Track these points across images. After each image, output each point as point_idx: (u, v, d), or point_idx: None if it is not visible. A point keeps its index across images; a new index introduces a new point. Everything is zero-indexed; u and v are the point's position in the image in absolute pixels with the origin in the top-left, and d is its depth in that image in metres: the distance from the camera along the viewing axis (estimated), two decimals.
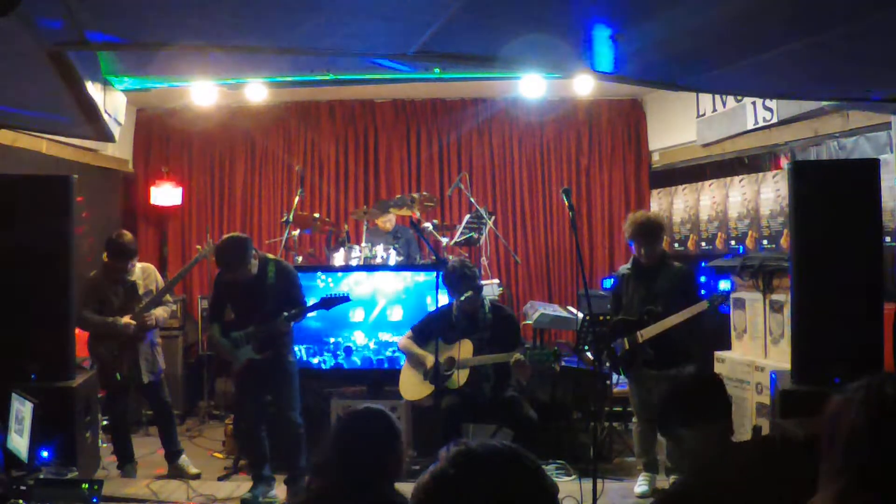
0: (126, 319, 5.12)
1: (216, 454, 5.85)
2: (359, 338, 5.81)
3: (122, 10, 2.97)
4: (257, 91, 5.70)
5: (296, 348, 5.26)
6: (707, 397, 2.40)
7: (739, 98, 6.12)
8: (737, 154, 6.59)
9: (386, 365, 5.74)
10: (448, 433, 4.54)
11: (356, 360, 5.81)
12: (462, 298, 4.77)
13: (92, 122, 4.46)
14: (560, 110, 7.97)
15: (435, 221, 6.74)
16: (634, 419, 5.13)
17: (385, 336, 5.78)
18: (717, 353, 5.83)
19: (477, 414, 4.88)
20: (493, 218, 7.07)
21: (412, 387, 4.98)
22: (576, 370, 5.63)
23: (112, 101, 4.42)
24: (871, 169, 4.25)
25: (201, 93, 5.67)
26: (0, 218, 4.58)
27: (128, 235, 5.27)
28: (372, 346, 5.80)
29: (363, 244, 6.37)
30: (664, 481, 4.78)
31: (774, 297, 5.34)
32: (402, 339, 5.12)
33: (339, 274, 5.95)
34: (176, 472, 5.23)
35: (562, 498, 4.06)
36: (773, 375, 4.56)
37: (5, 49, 3.06)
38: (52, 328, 4.61)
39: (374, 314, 5.82)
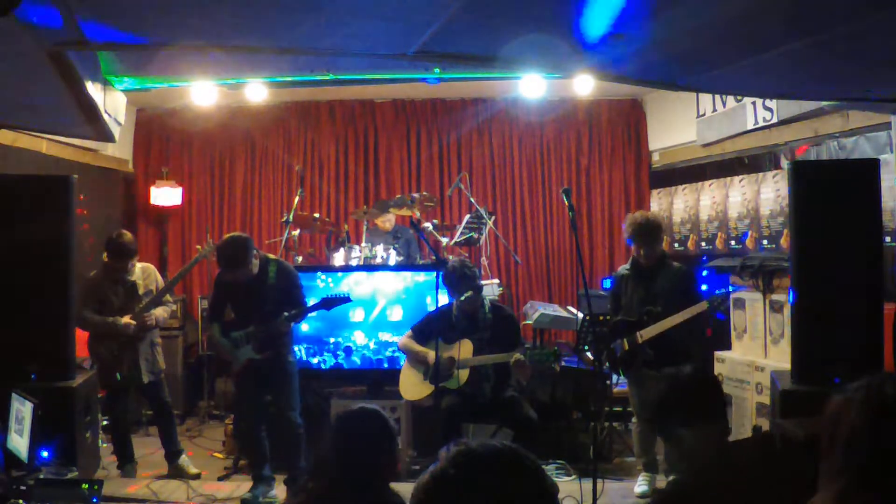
0: (126, 319, 5.12)
1: (216, 454, 5.85)
2: (359, 338, 5.81)
3: (122, 10, 2.97)
4: (257, 91, 5.70)
5: (296, 348, 5.27)
6: (706, 397, 2.40)
7: (739, 98, 6.12)
8: (737, 154, 6.59)
9: (386, 365, 5.74)
10: (448, 433, 4.54)
11: (356, 360, 5.81)
12: (462, 298, 4.77)
13: (92, 122, 4.46)
14: (560, 110, 7.97)
15: (435, 221, 6.74)
16: (634, 419, 5.13)
17: (385, 336, 5.78)
18: (717, 353, 5.83)
19: (477, 414, 4.88)
20: (493, 218, 7.07)
21: (412, 387, 4.98)
22: (576, 370, 5.63)
23: (112, 101, 4.42)
24: (871, 169, 4.25)
25: (201, 93, 5.66)
26: (0, 218, 4.58)
27: (128, 235, 5.27)
28: (372, 346, 5.80)
29: (363, 244, 6.37)
30: (664, 481, 4.78)
31: (774, 297, 5.34)
32: (402, 339, 5.12)
33: (339, 274, 5.95)
34: (176, 472, 5.23)
35: (562, 498, 4.06)
36: (774, 375, 4.56)
37: (5, 49, 3.06)
38: (52, 328, 4.61)
39: (374, 314, 5.82)
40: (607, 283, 6.88)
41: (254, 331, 4.71)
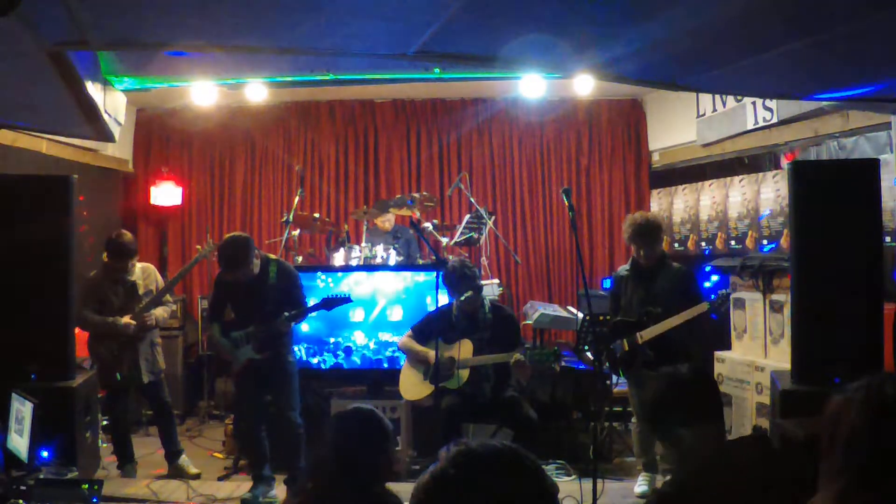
0: (126, 319, 5.12)
1: (216, 454, 5.85)
2: (359, 338, 5.81)
3: (122, 10, 2.97)
4: (257, 91, 5.71)
5: (296, 348, 5.27)
6: (705, 396, 2.40)
7: (739, 98, 6.12)
8: (737, 154, 6.59)
9: (386, 365, 5.74)
10: (448, 433, 4.54)
11: (356, 359, 5.81)
12: (462, 298, 4.77)
13: (92, 122, 4.46)
14: (560, 110, 7.97)
15: (435, 221, 6.74)
16: (634, 419, 5.13)
17: (385, 336, 5.78)
18: (717, 353, 5.83)
19: (477, 414, 4.89)
20: (493, 218, 7.07)
21: (412, 387, 4.98)
22: (576, 370, 5.63)
23: (112, 101, 4.42)
24: (871, 169, 4.25)
25: (201, 93, 5.67)
26: (0, 218, 4.58)
27: (128, 235, 5.28)
28: (372, 346, 5.80)
29: (363, 244, 6.37)
30: (664, 481, 4.78)
31: (774, 297, 5.34)
32: (402, 339, 5.12)
33: (339, 274, 5.95)
34: (176, 472, 5.23)
35: (562, 498, 4.06)
36: (773, 375, 4.56)
37: (5, 49, 3.06)
38: (52, 328, 4.61)
39: (374, 314, 5.82)
40: (607, 283, 6.88)
41: (254, 331, 4.71)
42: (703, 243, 7.05)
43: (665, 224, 5.69)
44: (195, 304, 7.33)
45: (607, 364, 4.84)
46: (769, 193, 6.16)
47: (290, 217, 6.37)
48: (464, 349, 4.78)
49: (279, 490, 4.77)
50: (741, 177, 6.53)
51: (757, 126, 6.00)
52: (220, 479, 5.24)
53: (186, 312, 7.21)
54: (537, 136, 8.12)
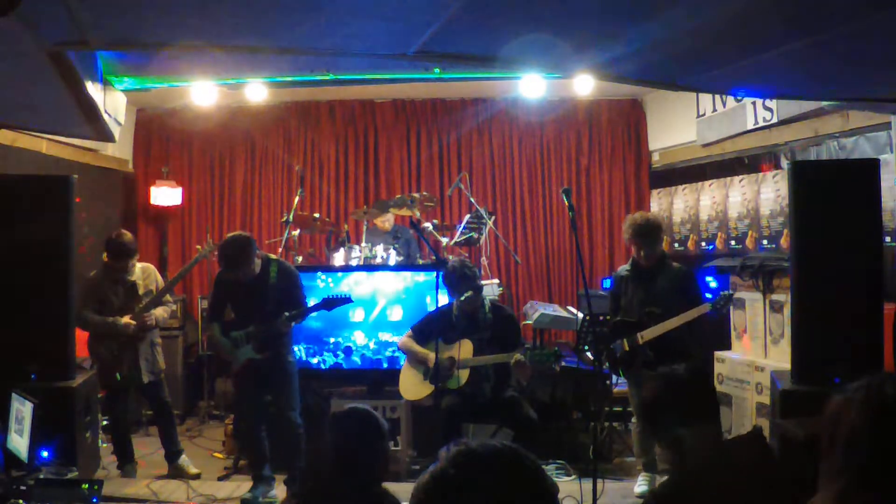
0: (126, 319, 5.12)
1: (216, 454, 5.85)
2: (359, 338, 5.81)
3: (123, 10, 2.97)
4: (257, 91, 5.70)
5: (296, 348, 5.27)
6: (704, 395, 2.40)
7: (739, 98, 6.12)
8: (737, 154, 6.59)
9: (386, 365, 5.74)
10: (448, 433, 4.54)
11: (356, 359, 5.81)
12: (462, 298, 4.77)
13: (92, 122, 4.46)
14: (560, 110, 7.97)
15: (435, 221, 6.74)
16: (634, 419, 5.13)
17: (385, 336, 5.78)
18: (717, 353, 5.83)
19: (477, 414, 4.89)
20: (493, 218, 7.07)
21: (412, 387, 4.98)
22: (576, 370, 5.63)
23: (112, 101, 4.42)
24: (871, 169, 4.25)
25: (201, 93, 5.66)
26: (0, 218, 4.58)
27: (128, 235, 5.28)
28: (372, 346, 5.80)
29: (363, 244, 6.37)
30: (661, 482, 4.78)
31: (774, 297, 5.35)
32: (402, 339, 5.12)
33: (339, 274, 5.95)
34: (176, 472, 5.24)
35: (562, 498, 4.06)
36: (773, 375, 4.56)
37: (5, 49, 3.06)
38: (52, 328, 4.61)
39: (374, 314, 5.82)
40: (607, 283, 6.88)
41: (254, 331, 4.71)
42: (703, 243, 7.05)
43: (665, 224, 5.69)
44: (195, 304, 7.33)
45: (607, 364, 4.84)
46: (769, 193, 6.16)
47: (290, 217, 6.37)
48: (464, 349, 4.78)
49: (279, 490, 4.77)
50: (741, 177, 6.53)
51: (757, 126, 6.00)
52: (220, 479, 5.25)
53: (186, 312, 7.21)
54: (537, 136, 8.12)
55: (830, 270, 4.14)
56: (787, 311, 4.98)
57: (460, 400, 4.78)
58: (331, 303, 4.76)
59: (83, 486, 3.62)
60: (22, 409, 3.89)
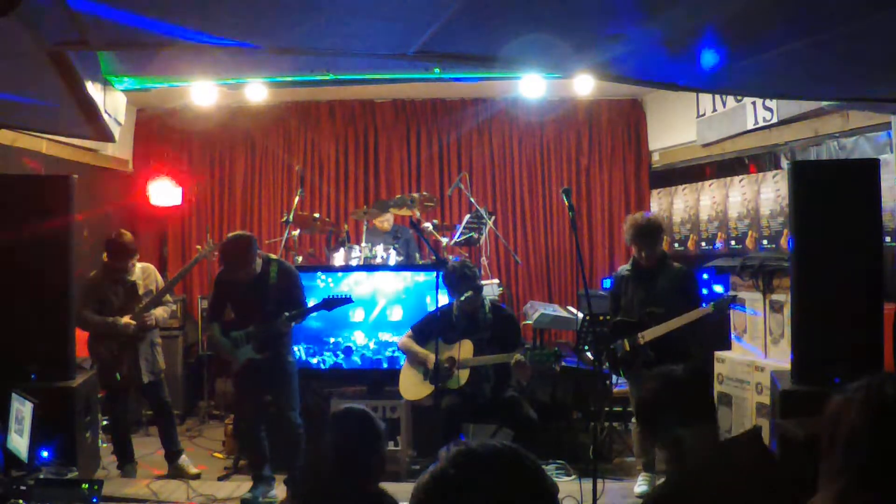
0: (126, 319, 5.12)
1: (216, 454, 5.85)
2: (359, 338, 5.81)
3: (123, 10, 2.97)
4: (257, 91, 5.70)
5: (296, 348, 5.27)
6: (700, 395, 2.40)
7: (739, 98, 6.12)
8: (737, 154, 6.59)
9: (386, 365, 5.74)
10: (448, 433, 4.54)
11: (356, 359, 5.81)
12: (462, 298, 4.77)
13: (92, 122, 4.46)
14: (560, 110, 7.97)
15: (435, 221, 6.74)
16: (634, 419, 5.13)
17: (385, 336, 5.78)
18: (717, 353, 5.83)
19: (477, 414, 4.88)
20: (493, 218, 7.07)
21: (412, 387, 4.98)
22: (576, 370, 5.63)
23: (112, 101, 4.42)
24: (871, 169, 4.25)
25: (201, 93, 5.67)
26: (0, 218, 4.58)
27: (128, 235, 5.28)
28: (372, 346, 5.80)
29: (363, 244, 6.37)
30: (659, 483, 4.78)
31: (774, 297, 5.35)
32: (402, 339, 5.12)
33: (339, 274, 5.95)
34: (176, 472, 5.24)
35: (562, 498, 4.06)
36: (773, 375, 4.56)
37: (5, 49, 3.06)
38: (52, 328, 4.62)
39: (374, 314, 5.82)
40: (607, 283, 6.88)
41: (254, 331, 4.71)
42: (703, 243, 7.05)
43: (665, 224, 5.69)
44: (195, 304, 7.33)
45: (607, 364, 4.84)
46: (769, 193, 6.16)
47: (290, 217, 6.36)
48: (464, 349, 4.78)
49: (279, 490, 4.77)
50: (741, 177, 6.53)
51: (757, 126, 6.00)
52: (220, 479, 5.25)
53: (186, 312, 7.22)
54: (537, 136, 8.12)
55: (830, 270, 4.14)
56: (787, 311, 4.98)
57: (460, 400, 4.78)
58: (331, 303, 4.76)
59: (83, 486, 3.62)
60: (22, 409, 3.89)
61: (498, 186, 8.15)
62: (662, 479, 4.80)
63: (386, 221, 6.73)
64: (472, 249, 7.20)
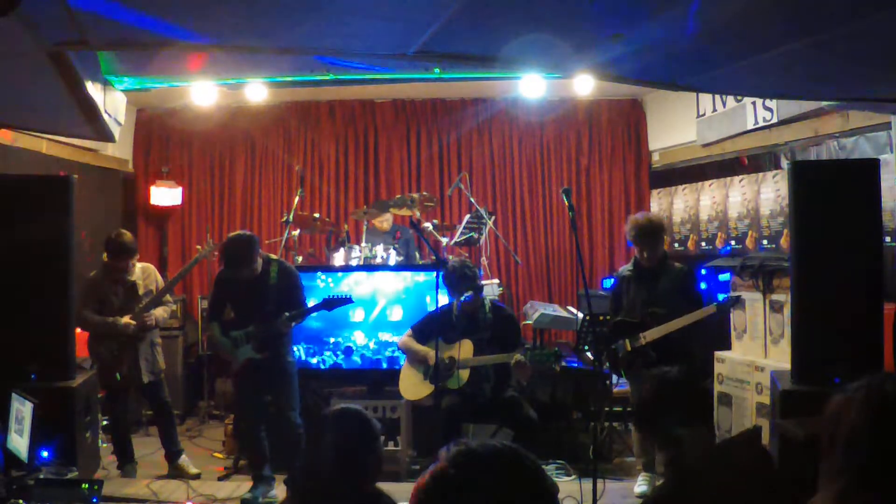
0: (126, 319, 5.12)
1: (216, 454, 5.85)
2: (359, 338, 5.81)
3: (122, 9, 2.97)
4: (257, 91, 5.70)
5: (295, 348, 5.26)
6: (695, 397, 2.40)
7: (739, 98, 6.12)
8: (737, 154, 6.59)
9: (386, 365, 5.74)
10: (448, 433, 4.54)
11: (356, 360, 5.81)
12: (462, 298, 4.77)
13: (92, 122, 4.46)
14: (560, 110, 7.97)
15: (435, 221, 6.74)
16: (634, 420, 5.12)
17: (385, 336, 5.78)
18: (717, 353, 5.83)
19: (477, 414, 4.89)
20: (493, 218, 7.07)
21: (412, 387, 4.98)
22: (576, 370, 5.63)
23: (112, 101, 4.42)
24: (871, 169, 4.25)
25: (201, 93, 5.66)
26: (0, 218, 4.58)
27: (127, 235, 5.28)
28: (372, 346, 5.80)
29: (363, 244, 6.37)
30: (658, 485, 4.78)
31: (774, 297, 5.34)
32: (402, 338, 5.12)
33: (339, 274, 5.95)
34: (176, 472, 5.23)
35: (562, 498, 4.06)
36: (773, 375, 4.56)
37: (5, 49, 3.06)
38: (52, 328, 4.61)
39: (374, 314, 5.82)
40: (607, 283, 6.89)
41: (253, 330, 4.71)
42: (703, 243, 7.05)
43: (666, 225, 5.69)
44: (195, 304, 7.33)
45: (608, 364, 4.84)
46: (769, 193, 6.16)
47: (290, 217, 6.37)
48: (464, 349, 4.78)
49: (279, 490, 4.77)
50: (741, 177, 6.53)
51: (757, 126, 6.00)
52: (220, 479, 5.24)
53: (186, 312, 7.22)
54: (537, 136, 8.12)
55: (830, 270, 4.14)
56: (787, 311, 4.97)
57: (460, 400, 4.78)
58: (331, 303, 4.76)
59: (83, 486, 3.62)
60: (22, 409, 3.88)
61: (498, 186, 8.15)
62: (662, 480, 4.81)
63: (385, 221, 6.73)
64: (472, 249, 7.20)
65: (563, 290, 8.07)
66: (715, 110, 6.62)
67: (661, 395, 2.35)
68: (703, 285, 5.95)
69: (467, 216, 6.82)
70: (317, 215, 6.74)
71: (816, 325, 4.18)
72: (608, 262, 8.04)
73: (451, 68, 4.25)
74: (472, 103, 8.04)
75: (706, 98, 6.69)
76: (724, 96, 6.38)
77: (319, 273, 5.95)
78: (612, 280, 5.32)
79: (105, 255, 5.27)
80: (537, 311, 6.30)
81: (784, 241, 5.84)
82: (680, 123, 7.31)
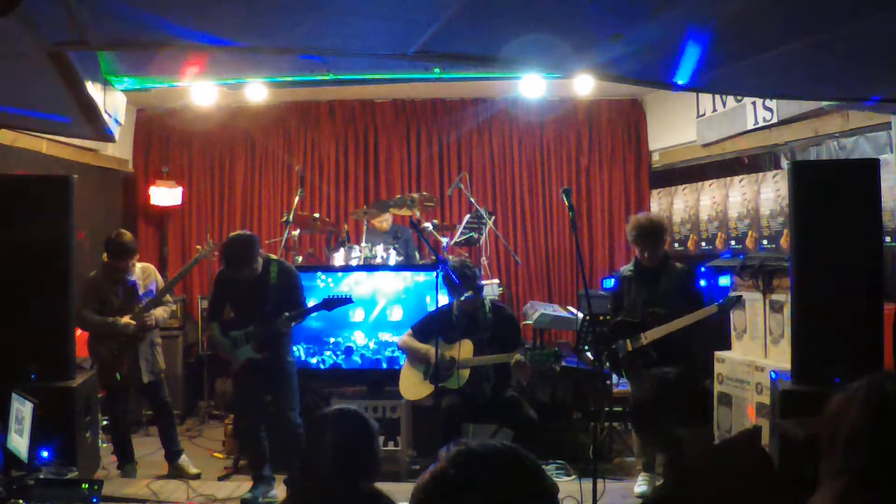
0: (126, 319, 5.12)
1: (216, 454, 5.85)
2: (359, 338, 5.81)
3: (123, 9, 2.97)
4: (257, 91, 5.70)
5: (295, 348, 5.26)
6: (694, 398, 2.41)
7: (739, 98, 6.12)
8: (737, 154, 6.59)
9: (386, 365, 5.74)
10: (448, 433, 4.54)
11: (356, 359, 5.81)
12: (462, 298, 4.77)
13: (92, 122, 4.46)
14: (560, 110, 7.97)
15: (435, 221, 6.74)
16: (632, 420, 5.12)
17: (385, 336, 5.78)
18: (717, 353, 5.83)
19: (477, 414, 4.89)
20: (493, 218, 7.07)
21: (412, 386, 4.98)
22: (576, 370, 5.63)
23: (112, 101, 4.42)
24: (871, 169, 4.25)
25: (201, 93, 5.66)
26: (0, 218, 4.58)
27: (127, 235, 5.27)
28: (372, 346, 5.80)
29: (363, 244, 6.37)
30: (657, 485, 4.78)
31: (774, 297, 5.34)
32: (402, 338, 5.12)
33: (339, 274, 5.95)
34: (176, 472, 5.23)
35: (562, 498, 4.06)
36: (773, 375, 4.56)
37: (5, 49, 3.06)
38: (52, 328, 4.61)
39: (374, 314, 5.82)
40: (607, 283, 6.88)
41: (253, 330, 4.71)
42: (703, 243, 7.05)
43: (667, 225, 5.69)
44: (195, 304, 7.33)
45: (608, 364, 4.84)
46: (769, 193, 6.16)
47: (290, 217, 6.37)
48: (464, 349, 4.78)
49: (279, 490, 4.77)
50: (741, 177, 6.53)
51: (757, 126, 6.00)
52: (220, 479, 5.24)
53: (186, 312, 7.21)
54: (537, 136, 8.12)
55: (830, 270, 4.14)
56: (787, 311, 4.97)
57: (460, 400, 4.78)
58: (331, 303, 4.76)
59: (83, 486, 3.62)
60: (22, 409, 3.89)
61: (498, 186, 8.15)
62: (662, 480, 4.81)
63: (384, 221, 6.72)
64: (472, 249, 7.20)
65: (563, 290, 8.07)
66: (715, 110, 6.62)
67: (661, 396, 2.35)
68: (702, 282, 5.94)
69: (467, 216, 6.82)
70: (317, 215, 6.74)
71: (816, 325, 4.18)
72: (608, 262, 8.04)
73: (451, 68, 4.25)
74: (472, 103, 8.04)
75: (706, 98, 6.69)
76: (724, 96, 6.38)
77: (319, 273, 5.95)
78: (613, 280, 5.32)
79: (105, 255, 5.27)
80: (537, 311, 6.30)
81: (784, 241, 5.84)
82: (680, 123, 7.31)
